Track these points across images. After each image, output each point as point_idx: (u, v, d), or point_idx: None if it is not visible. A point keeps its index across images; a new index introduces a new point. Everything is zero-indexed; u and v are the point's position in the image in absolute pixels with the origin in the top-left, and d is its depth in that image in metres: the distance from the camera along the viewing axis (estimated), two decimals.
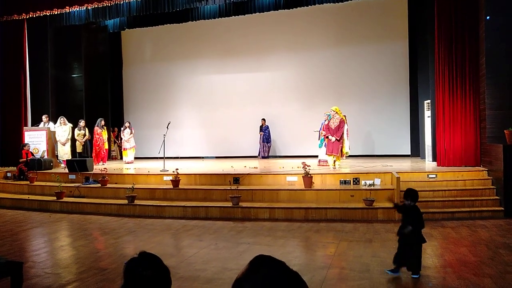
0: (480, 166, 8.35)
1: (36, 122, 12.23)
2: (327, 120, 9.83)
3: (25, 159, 10.68)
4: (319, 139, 10.44)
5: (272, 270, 1.09)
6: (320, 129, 10.32)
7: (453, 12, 8.65)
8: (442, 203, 7.21)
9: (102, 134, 12.43)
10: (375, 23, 12.99)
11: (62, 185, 9.01)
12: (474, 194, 7.40)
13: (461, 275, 4.25)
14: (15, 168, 10.92)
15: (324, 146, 9.93)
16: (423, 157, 10.88)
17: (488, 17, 8.01)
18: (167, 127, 10.55)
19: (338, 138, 9.31)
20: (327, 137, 9.43)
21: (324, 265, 4.72)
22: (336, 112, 9.55)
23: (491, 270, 4.39)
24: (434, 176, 7.91)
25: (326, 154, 9.59)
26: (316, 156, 10.61)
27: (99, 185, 9.13)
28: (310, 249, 5.68)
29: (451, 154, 8.67)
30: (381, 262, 4.76)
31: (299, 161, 9.11)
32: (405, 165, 9.89)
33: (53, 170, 10.74)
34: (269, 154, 13.59)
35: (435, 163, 9.27)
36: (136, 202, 8.16)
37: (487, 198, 7.29)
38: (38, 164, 10.60)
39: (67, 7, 11.74)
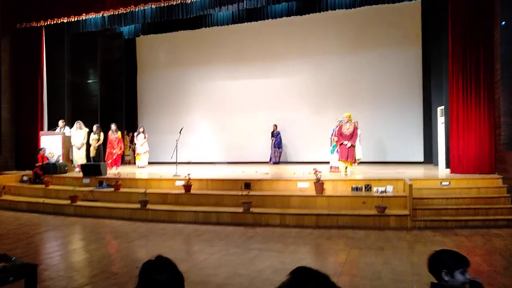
0: (495, 174, 8.21)
1: (52, 126, 12.47)
2: (338, 126, 9.82)
3: (40, 163, 10.89)
4: (331, 145, 10.41)
5: (318, 283, 1.06)
6: (332, 135, 10.30)
7: (467, 17, 8.57)
8: (455, 211, 7.10)
9: (114, 138, 12.56)
10: (388, 29, 12.94)
11: (76, 189, 9.16)
12: (488, 202, 7.27)
13: None
14: (31, 172, 11.15)
15: (336, 152, 9.89)
16: (436, 164, 10.74)
17: (503, 23, 7.91)
18: (180, 133, 10.66)
19: (354, 144, 9.29)
20: (341, 144, 9.39)
21: (335, 272, 4.69)
22: (349, 118, 9.54)
23: (505, 279, 4.31)
24: (447, 183, 7.80)
25: (339, 160, 9.55)
26: (328, 162, 10.57)
27: (113, 189, 9.24)
28: (321, 256, 5.66)
29: (465, 161, 8.55)
30: (392, 270, 4.71)
31: (310, 167, 9.09)
32: (418, 172, 9.79)
33: (67, 174, 10.93)
34: (280, 160, 13.58)
35: (448, 170, 9.14)
36: (149, 206, 8.23)
37: (502, 206, 7.15)
38: (53, 168, 10.81)
39: (84, 14, 12.01)
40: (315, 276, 1.08)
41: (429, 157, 11.85)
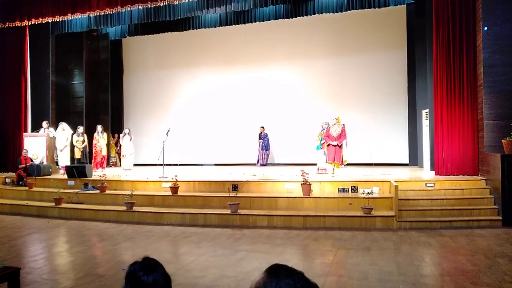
0: (478, 175, 8.37)
1: (36, 128, 12.25)
2: (324, 128, 9.91)
3: (24, 165, 10.68)
4: (318, 139, 10.47)
5: (294, 280, 1.05)
6: (321, 131, 10.36)
7: (451, 22, 8.74)
8: (440, 211, 7.22)
9: (98, 140, 12.42)
10: (374, 33, 13.10)
11: (60, 191, 9.01)
12: (472, 203, 7.41)
13: (459, 284, 4.25)
14: (14, 174, 10.93)
15: (324, 154, 9.97)
16: (421, 166, 10.90)
17: (485, 28, 8.10)
18: (167, 134, 10.59)
19: (340, 145, 9.38)
20: (328, 145, 9.48)
21: (322, 273, 4.72)
22: (337, 121, 9.63)
23: (489, 279, 4.39)
24: (432, 185, 7.93)
25: (327, 162, 9.63)
26: (315, 164, 10.63)
27: (98, 191, 9.13)
28: (308, 257, 5.68)
29: (449, 163, 8.70)
30: (379, 270, 4.76)
31: (297, 169, 9.14)
32: (403, 173, 9.91)
33: (52, 176, 10.75)
34: (268, 162, 13.61)
35: (433, 172, 9.29)
36: (135, 208, 8.16)
37: (485, 207, 7.29)
38: (37, 170, 10.61)
39: (69, 14, 11.82)
40: (290, 272, 1.07)
41: (414, 159, 12.02)
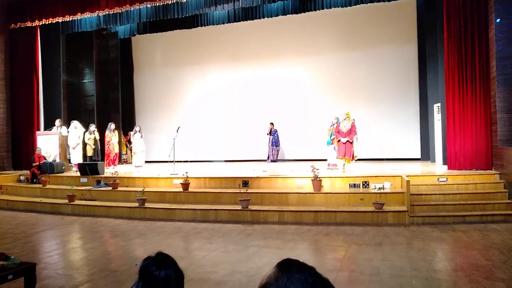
0: (492, 170, 8.25)
1: (48, 126, 12.42)
2: (334, 124, 9.85)
3: (37, 163, 10.85)
4: (328, 135, 10.43)
5: (306, 275, 1.05)
6: (331, 126, 10.31)
7: (462, 14, 8.60)
8: (453, 206, 7.14)
9: (111, 138, 12.55)
10: (383, 27, 12.97)
11: (73, 188, 9.13)
12: (485, 198, 7.32)
13: (472, 279, 4.21)
14: (27, 171, 11.10)
15: (334, 149, 9.92)
16: (434, 161, 10.78)
17: (498, 20, 7.95)
18: (177, 131, 10.64)
19: (351, 141, 9.32)
20: (339, 140, 9.43)
21: (334, 268, 4.71)
22: (347, 116, 9.57)
23: (503, 274, 4.34)
24: (444, 179, 7.84)
25: (337, 157, 9.58)
26: (325, 160, 10.59)
27: (110, 188, 9.23)
28: (320, 252, 5.67)
29: (462, 158, 8.59)
30: (391, 265, 4.73)
31: (308, 165, 9.11)
32: (415, 168, 9.83)
33: (65, 174, 10.90)
34: (278, 158, 13.59)
35: (445, 166, 9.18)
36: (147, 205, 8.23)
37: (499, 201, 7.19)
38: (51, 168, 10.77)
39: (79, 14, 11.94)
40: (301, 267, 1.07)
41: (426, 154, 11.89)
